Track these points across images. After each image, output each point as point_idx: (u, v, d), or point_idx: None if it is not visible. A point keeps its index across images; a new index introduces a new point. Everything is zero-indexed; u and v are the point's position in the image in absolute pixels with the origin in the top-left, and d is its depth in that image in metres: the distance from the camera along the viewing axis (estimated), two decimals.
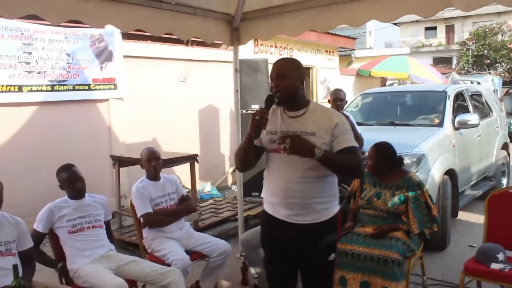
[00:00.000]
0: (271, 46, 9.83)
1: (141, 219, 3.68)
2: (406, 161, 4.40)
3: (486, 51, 28.05)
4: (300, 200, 2.40)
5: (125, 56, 6.61)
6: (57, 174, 3.37)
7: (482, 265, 3.18)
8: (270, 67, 8.22)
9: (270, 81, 2.49)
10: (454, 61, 32.83)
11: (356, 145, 2.43)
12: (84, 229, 3.31)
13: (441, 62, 32.78)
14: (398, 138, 4.82)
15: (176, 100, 7.50)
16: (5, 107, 5.46)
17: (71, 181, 3.33)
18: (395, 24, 41.68)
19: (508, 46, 27.28)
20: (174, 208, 3.83)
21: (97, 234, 3.37)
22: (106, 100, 6.50)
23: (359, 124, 5.76)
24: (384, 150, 3.70)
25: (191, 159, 5.28)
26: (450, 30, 38.69)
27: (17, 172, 5.48)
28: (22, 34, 5.49)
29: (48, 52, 5.73)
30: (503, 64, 27.76)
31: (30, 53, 5.58)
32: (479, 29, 29.87)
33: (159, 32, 3.91)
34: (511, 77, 26.98)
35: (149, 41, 7.14)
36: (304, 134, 2.38)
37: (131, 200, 3.80)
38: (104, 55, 6.34)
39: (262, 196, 2.71)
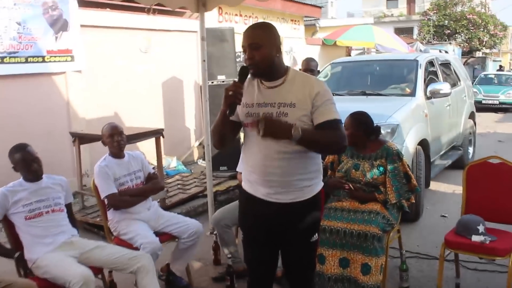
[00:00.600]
0: (236, 14, 9.47)
1: (106, 200, 3.43)
2: (381, 132, 4.27)
3: (446, 22, 28.36)
4: (281, 178, 2.21)
5: (82, 26, 6.16)
6: (9, 155, 3.07)
7: (462, 237, 3.11)
8: (236, 36, 7.94)
9: (242, 52, 2.23)
10: (416, 32, 33.11)
11: (339, 117, 2.22)
12: (42, 214, 3.04)
13: (402, 32, 32.94)
14: (371, 108, 4.63)
15: (138, 72, 7.12)
16: None
17: (26, 162, 3.03)
18: None
19: (468, 16, 27.64)
20: (140, 187, 3.59)
21: (58, 219, 3.10)
22: (63, 73, 6.07)
23: None
24: (360, 119, 3.55)
25: (157, 133, 5.00)
26: (411, 0, 38.91)
27: None
28: None
29: None
30: (462, 34, 28.17)
31: None
32: None
33: None
34: (470, 47, 27.52)
35: (107, 9, 6.69)
36: (283, 106, 2.18)
37: (93, 180, 3.53)
38: (58, 24, 5.88)
39: (238, 170, 2.50)
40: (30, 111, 5.72)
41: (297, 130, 2.05)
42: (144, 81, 7.24)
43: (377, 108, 4.80)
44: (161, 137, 5.02)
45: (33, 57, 5.63)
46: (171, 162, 7.12)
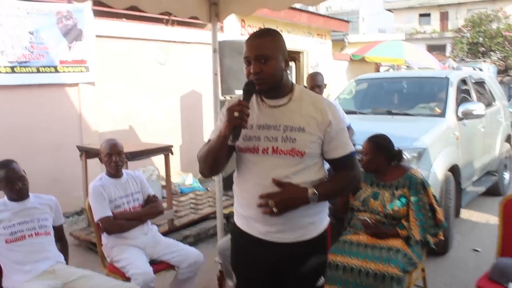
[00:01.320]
0: (259, 28, 9.21)
1: (99, 223, 3.15)
2: (406, 156, 3.88)
3: (481, 39, 27.55)
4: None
5: (97, 36, 6.00)
6: None
7: (497, 285, 2.67)
8: None
9: (245, 64, 1.89)
10: (448, 49, 32.35)
11: (353, 148, 1.94)
12: (25, 237, 2.78)
13: (435, 49, 32.23)
14: (396, 129, 4.30)
15: (155, 85, 6.91)
16: None
17: (9, 181, 2.78)
18: (389, 10, 41.08)
19: (504, 33, 26.79)
20: (137, 210, 3.29)
21: (42, 244, 2.83)
22: (76, 84, 5.90)
23: (351, 113, 5.26)
24: (381, 143, 3.18)
25: (165, 150, 4.71)
26: (444, 17, 38.17)
27: None
28: None
29: (6, 29, 5.12)
30: (497, 52, 27.28)
31: None
32: (475, 16, 29.33)
33: (120, 4, 3.34)
34: (506, 65, 26.57)
35: (124, 19, 6.50)
36: (290, 130, 1.86)
37: (87, 200, 3.26)
38: (72, 34, 5.73)
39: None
40: (40, 123, 5.55)
41: (313, 194, 1.84)
42: (161, 94, 7.02)
43: (403, 129, 4.40)
44: (169, 153, 4.72)
45: (45, 67, 5.48)
46: (186, 179, 6.83)
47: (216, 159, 1.91)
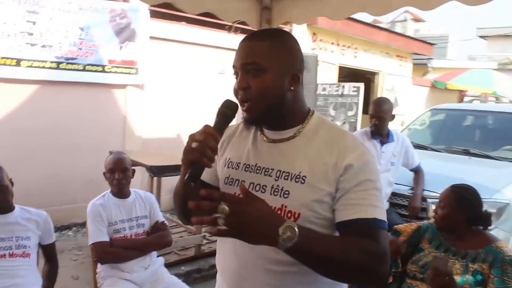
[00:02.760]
0: (332, 43, 8.57)
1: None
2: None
3: None
4: None
5: (151, 37, 5.67)
6: None
7: None
8: (320, 65, 7.02)
9: (234, 75, 1.32)
10: None
11: (383, 217, 1.19)
12: None
13: None
14: (473, 174, 3.51)
15: (210, 95, 6.48)
16: None
17: None
18: (482, 37, 38.56)
19: None
20: (139, 238, 2.79)
21: (14, 267, 2.40)
22: (123, 86, 5.59)
23: (422, 147, 4.49)
24: (466, 197, 2.41)
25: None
26: None
27: (8, 158, 4.66)
28: None
29: (56, 24, 4.89)
30: None
31: (34, 23, 4.76)
32: None
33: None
34: None
35: (183, 22, 6.15)
36: (285, 177, 1.24)
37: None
38: (125, 34, 5.43)
39: None
40: (82, 123, 5.29)
41: (289, 230, 1.03)
42: (215, 105, 6.56)
43: (481, 176, 3.60)
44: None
45: (92, 65, 5.21)
46: None
47: (183, 203, 1.33)
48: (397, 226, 2.66)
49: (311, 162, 1.22)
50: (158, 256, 2.91)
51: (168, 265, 2.98)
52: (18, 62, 4.71)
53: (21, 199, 4.11)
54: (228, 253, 1.31)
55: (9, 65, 4.66)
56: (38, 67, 4.84)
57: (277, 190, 1.23)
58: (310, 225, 1.18)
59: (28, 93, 4.90)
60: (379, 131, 3.57)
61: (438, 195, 2.51)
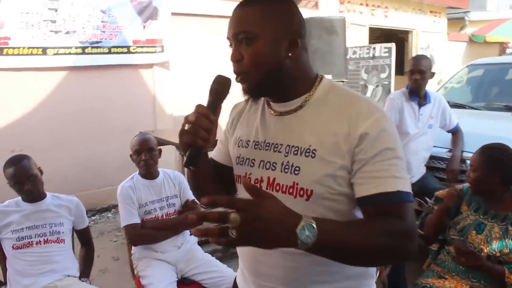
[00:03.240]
0: (361, 4, 8.23)
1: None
2: None
3: None
4: (286, 286, 1.19)
5: (173, 14, 5.59)
6: (3, 168, 2.46)
7: None
8: (350, 28, 6.74)
9: (230, 47, 1.21)
10: None
11: (408, 188, 1.06)
12: (32, 245, 2.42)
13: None
14: None
15: None
16: (27, 72, 4.73)
17: (17, 181, 2.42)
18: None
19: None
20: (170, 218, 2.77)
21: (49, 253, 2.44)
22: (150, 65, 5.57)
23: (459, 106, 4.27)
24: (498, 158, 2.28)
25: None
26: None
27: (40, 147, 4.78)
28: None
29: (78, 9, 4.89)
30: None
31: (56, 10, 4.77)
32: None
33: None
34: None
35: None
36: (294, 153, 1.14)
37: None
38: (147, 12, 5.38)
39: None
40: (112, 106, 5.32)
41: (307, 228, 0.90)
42: None
43: None
44: None
45: (117, 47, 5.20)
46: None
47: (196, 185, 1.31)
48: (438, 192, 2.55)
49: (320, 133, 1.12)
50: (191, 235, 2.90)
51: (201, 243, 2.96)
52: (44, 51, 4.75)
53: (59, 185, 4.23)
54: None
55: (36, 54, 4.70)
56: (64, 53, 4.87)
57: (287, 166, 1.14)
58: (325, 202, 1.10)
59: (56, 81, 4.95)
60: (419, 89, 3.40)
61: None
